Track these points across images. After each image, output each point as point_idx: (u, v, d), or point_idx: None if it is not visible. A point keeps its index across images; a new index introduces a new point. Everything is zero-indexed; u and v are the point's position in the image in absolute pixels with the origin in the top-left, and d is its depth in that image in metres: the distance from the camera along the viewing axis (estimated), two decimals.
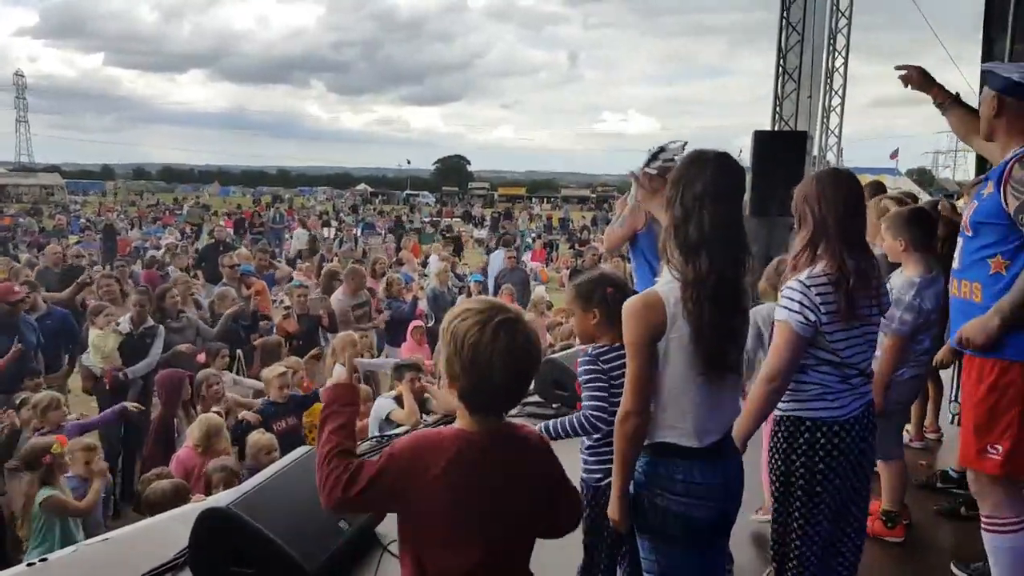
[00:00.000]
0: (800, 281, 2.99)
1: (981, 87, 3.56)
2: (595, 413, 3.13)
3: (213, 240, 17.17)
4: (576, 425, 3.19)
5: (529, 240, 32.40)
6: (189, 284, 11.01)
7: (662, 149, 4.88)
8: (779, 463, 3.13)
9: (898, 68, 4.12)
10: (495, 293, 13.61)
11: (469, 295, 13.18)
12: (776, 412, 3.13)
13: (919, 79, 4.07)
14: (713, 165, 2.66)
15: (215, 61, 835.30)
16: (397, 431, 5.82)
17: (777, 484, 3.15)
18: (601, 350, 3.16)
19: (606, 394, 3.11)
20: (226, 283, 10.82)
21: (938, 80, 4.04)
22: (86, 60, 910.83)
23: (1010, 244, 3.26)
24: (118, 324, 8.35)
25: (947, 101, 4.01)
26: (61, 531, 5.27)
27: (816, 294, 2.95)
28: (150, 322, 8.49)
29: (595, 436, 3.21)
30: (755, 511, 4.38)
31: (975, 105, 3.75)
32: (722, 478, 2.70)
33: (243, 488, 3.62)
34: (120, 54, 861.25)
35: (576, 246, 30.84)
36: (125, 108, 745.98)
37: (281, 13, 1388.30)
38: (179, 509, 4.46)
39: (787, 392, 3.06)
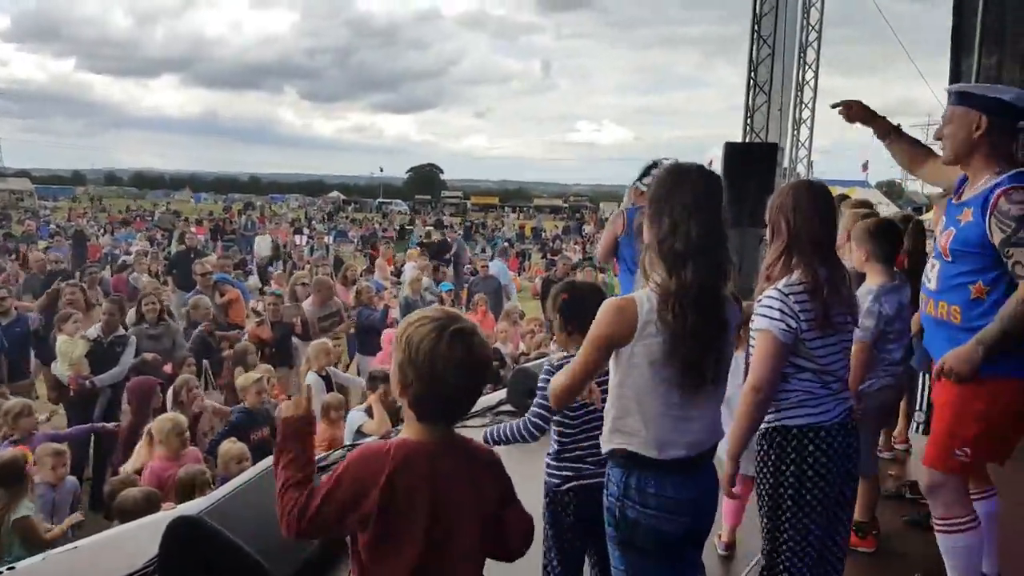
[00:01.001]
0: (778, 290, 3.02)
1: (951, 107, 3.41)
2: (534, 420, 3.20)
3: (184, 247, 17.04)
4: (515, 431, 3.26)
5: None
6: (159, 291, 10.89)
7: (655, 164, 4.95)
8: (768, 476, 3.12)
9: (834, 106, 4.07)
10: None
11: (441, 304, 13.16)
12: (761, 426, 3.13)
13: (860, 113, 4.03)
14: (693, 177, 2.68)
15: (188, 66, 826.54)
16: (368, 441, 5.80)
17: (765, 497, 3.14)
18: (566, 361, 3.16)
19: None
20: (199, 291, 10.70)
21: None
22: (58, 65, 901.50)
23: (992, 272, 3.24)
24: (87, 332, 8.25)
25: (891, 133, 3.98)
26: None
27: (795, 302, 2.98)
28: (121, 331, 8.38)
29: (557, 445, 3.27)
30: (716, 537, 4.34)
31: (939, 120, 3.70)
32: (693, 493, 2.71)
33: (214, 496, 3.60)
34: (92, 59, 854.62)
35: (548, 255, 30.88)
36: (97, 113, 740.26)
37: (255, 19, 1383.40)
38: (149, 517, 4.42)
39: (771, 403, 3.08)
